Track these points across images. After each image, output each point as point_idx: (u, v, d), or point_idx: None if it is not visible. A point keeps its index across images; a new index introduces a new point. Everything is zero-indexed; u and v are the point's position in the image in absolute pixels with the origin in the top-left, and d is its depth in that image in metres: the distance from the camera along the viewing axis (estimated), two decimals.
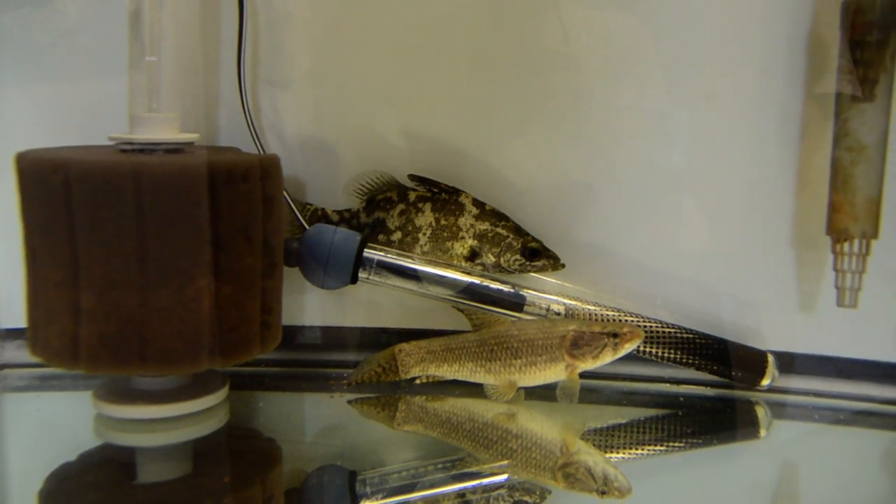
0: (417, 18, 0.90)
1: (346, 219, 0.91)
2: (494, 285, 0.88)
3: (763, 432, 0.85)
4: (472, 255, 0.89)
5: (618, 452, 0.78)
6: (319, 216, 0.91)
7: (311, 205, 0.92)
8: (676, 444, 0.80)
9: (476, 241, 0.88)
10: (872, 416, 0.89)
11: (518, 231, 0.89)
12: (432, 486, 0.70)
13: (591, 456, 0.76)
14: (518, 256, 0.88)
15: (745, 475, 0.77)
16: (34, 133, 0.90)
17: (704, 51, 0.88)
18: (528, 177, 0.91)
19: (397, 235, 0.90)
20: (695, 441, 0.82)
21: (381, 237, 0.90)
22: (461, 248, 0.89)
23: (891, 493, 0.74)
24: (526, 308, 0.87)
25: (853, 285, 0.84)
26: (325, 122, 0.93)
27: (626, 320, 0.87)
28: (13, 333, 0.92)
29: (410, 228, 0.90)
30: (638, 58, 0.89)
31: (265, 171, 0.77)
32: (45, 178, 0.71)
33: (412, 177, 0.90)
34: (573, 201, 0.91)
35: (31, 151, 0.74)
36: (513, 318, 0.87)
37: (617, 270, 0.91)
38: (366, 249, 0.87)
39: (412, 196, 0.90)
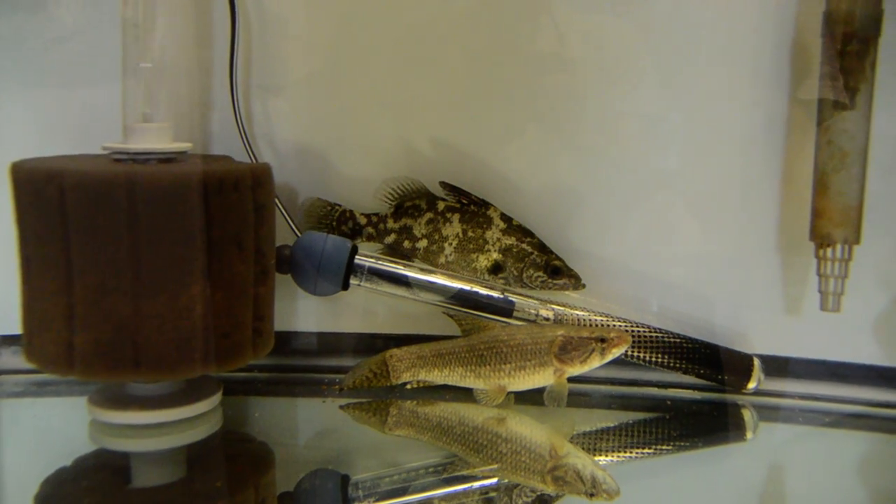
0: (412, 23, 0.91)
1: (374, 223, 0.92)
2: (484, 291, 0.88)
3: (749, 435, 0.86)
4: (496, 269, 0.89)
5: (606, 455, 0.78)
6: (347, 218, 0.92)
7: (339, 205, 0.92)
8: (664, 447, 0.81)
9: (500, 255, 0.89)
10: (857, 419, 0.89)
11: (542, 248, 0.90)
12: (423, 489, 0.71)
13: (579, 459, 0.77)
14: (541, 273, 0.89)
15: (732, 477, 0.78)
16: (28, 140, 0.90)
17: (694, 57, 0.89)
18: (521, 180, 0.92)
19: (423, 243, 0.91)
20: (682, 444, 0.82)
21: (406, 244, 0.91)
22: (485, 261, 0.89)
23: (875, 495, 0.75)
24: (515, 313, 0.88)
25: (836, 290, 0.85)
26: (318, 129, 0.93)
27: (615, 325, 0.88)
28: (9, 340, 0.93)
29: (437, 237, 0.90)
30: (630, 63, 0.90)
31: (256, 179, 0.78)
32: (39, 188, 0.72)
33: (443, 184, 0.90)
34: (564, 204, 0.92)
35: (26, 161, 0.75)
36: (502, 324, 0.87)
37: (604, 274, 0.91)
38: (357, 256, 0.88)
39: (441, 206, 0.91)
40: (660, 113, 0.91)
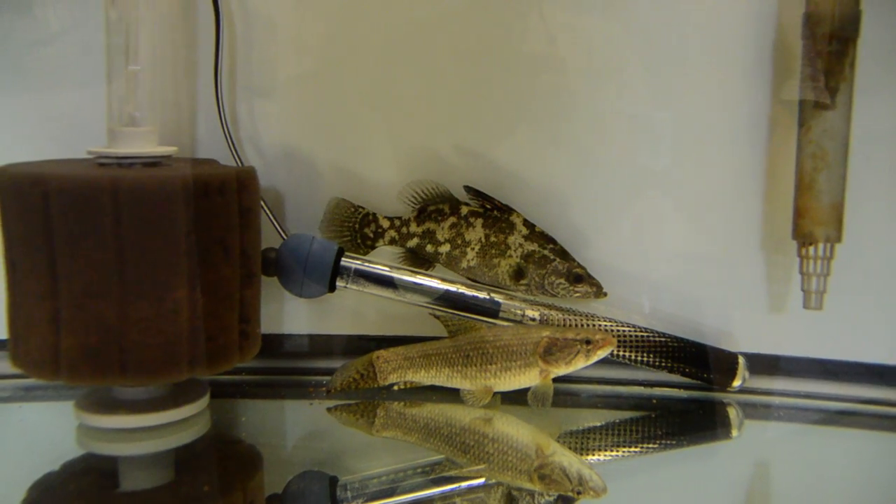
0: (399, 24, 0.91)
1: (397, 226, 0.92)
2: (470, 292, 0.89)
3: (735, 432, 0.86)
4: (518, 275, 0.89)
5: (594, 454, 0.79)
6: (370, 220, 0.92)
7: (363, 208, 0.92)
8: (651, 445, 0.81)
9: (522, 261, 0.89)
10: (842, 416, 0.90)
11: (564, 255, 0.90)
12: (411, 490, 0.71)
13: (566, 457, 0.77)
14: (562, 280, 0.89)
15: (718, 475, 0.79)
16: (12, 144, 0.90)
17: (679, 59, 0.90)
18: (510, 180, 0.92)
19: (445, 247, 0.91)
20: (668, 442, 0.83)
21: (429, 248, 0.91)
22: (507, 266, 0.90)
23: (861, 491, 0.75)
24: (501, 314, 0.88)
25: (818, 288, 0.85)
26: (304, 132, 0.93)
27: (600, 326, 0.89)
28: None
29: (460, 242, 0.90)
30: (616, 64, 0.90)
31: (242, 183, 0.78)
32: (24, 193, 0.72)
33: (468, 188, 0.90)
34: (551, 204, 0.93)
35: (10, 166, 0.75)
36: (488, 324, 0.88)
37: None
38: (343, 258, 0.88)
39: (464, 210, 0.91)
40: (644, 114, 0.91)
